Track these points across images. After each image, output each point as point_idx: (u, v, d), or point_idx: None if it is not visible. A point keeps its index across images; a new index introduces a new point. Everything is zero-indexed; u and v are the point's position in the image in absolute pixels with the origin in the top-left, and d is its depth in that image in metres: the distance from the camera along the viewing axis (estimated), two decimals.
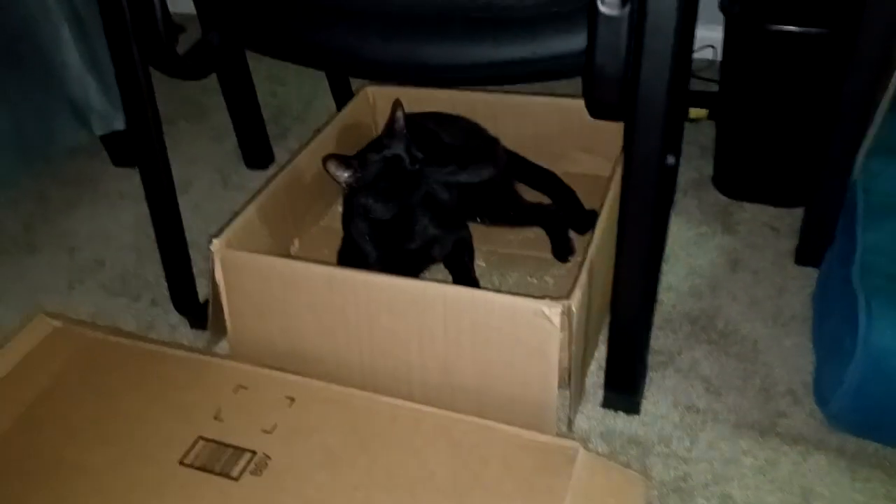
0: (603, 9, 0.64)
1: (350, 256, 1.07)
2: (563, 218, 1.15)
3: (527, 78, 0.76)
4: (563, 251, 1.10)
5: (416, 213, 1.04)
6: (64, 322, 0.96)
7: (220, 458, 0.78)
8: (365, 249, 1.05)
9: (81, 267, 1.23)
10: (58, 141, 1.38)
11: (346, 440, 0.79)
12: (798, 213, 1.19)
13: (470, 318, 0.84)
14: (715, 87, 1.45)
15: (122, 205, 1.37)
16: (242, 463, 0.77)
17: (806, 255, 1.11)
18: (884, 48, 0.89)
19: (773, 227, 1.20)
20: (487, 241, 1.13)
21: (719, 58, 1.53)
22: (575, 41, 0.70)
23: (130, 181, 1.41)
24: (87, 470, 0.78)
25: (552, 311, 0.79)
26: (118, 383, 0.88)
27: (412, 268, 1.07)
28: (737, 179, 1.26)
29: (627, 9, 0.63)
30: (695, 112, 1.43)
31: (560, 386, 0.84)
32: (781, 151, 1.20)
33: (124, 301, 1.15)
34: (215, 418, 0.82)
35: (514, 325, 0.82)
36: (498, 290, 1.02)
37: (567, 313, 0.79)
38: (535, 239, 1.14)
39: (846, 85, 0.93)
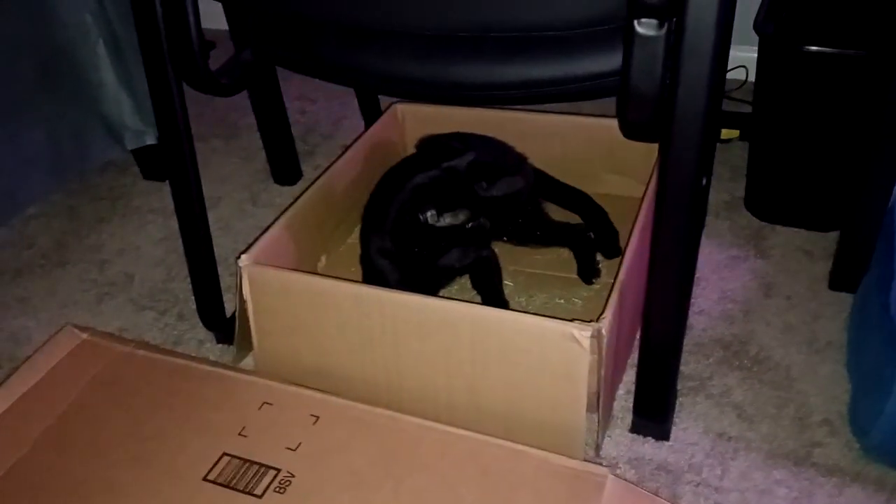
0: (640, 29, 0.63)
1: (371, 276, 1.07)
2: (590, 239, 1.13)
3: (560, 98, 0.75)
4: (588, 273, 1.09)
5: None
6: (91, 334, 0.97)
7: (245, 476, 0.77)
8: (385, 272, 1.04)
9: (111, 281, 1.24)
10: (91, 158, 1.40)
11: (371, 461, 0.78)
12: (832, 237, 1.17)
13: (498, 340, 0.83)
14: (746, 108, 1.43)
15: (152, 220, 1.38)
16: (266, 480, 0.76)
17: (841, 280, 1.09)
18: None
19: (806, 250, 1.17)
20: (514, 262, 1.12)
21: (751, 78, 1.53)
22: (610, 61, 0.69)
23: (160, 196, 1.43)
24: (113, 488, 0.78)
25: (582, 334, 0.77)
26: (144, 398, 0.88)
27: (434, 284, 1.07)
28: (770, 202, 1.24)
29: (665, 29, 0.63)
30: (726, 133, 1.42)
31: (588, 410, 0.82)
32: (816, 174, 1.18)
33: (152, 315, 1.16)
34: (240, 434, 0.82)
35: (542, 347, 0.81)
36: (525, 311, 1.01)
37: (597, 336, 0.77)
38: (562, 259, 1.13)
39: (887, 107, 0.91)
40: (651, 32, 0.63)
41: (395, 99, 1.34)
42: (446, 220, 0.95)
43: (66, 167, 1.35)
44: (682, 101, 0.66)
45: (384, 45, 0.78)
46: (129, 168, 1.50)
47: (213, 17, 1.00)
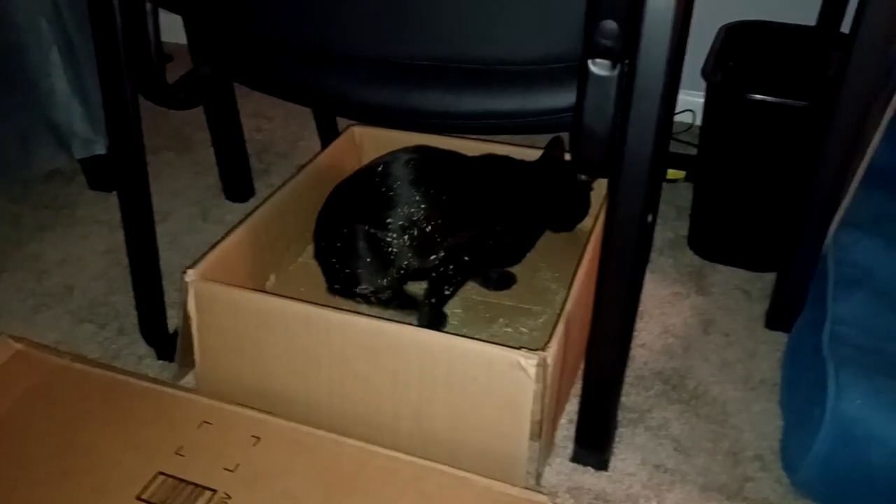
0: (594, 69, 0.65)
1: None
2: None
3: (517, 130, 0.77)
4: None
5: None
6: (26, 345, 0.94)
7: (179, 496, 0.75)
8: None
9: (49, 292, 1.20)
10: (37, 164, 1.36)
11: (311, 485, 0.77)
12: (770, 277, 1.21)
13: (445, 365, 0.83)
14: (693, 150, 1.49)
15: (96, 231, 1.35)
16: (202, 502, 0.75)
17: (776, 319, 1.13)
18: (858, 123, 0.92)
19: (744, 290, 1.21)
20: (463, 289, 1.13)
21: (697, 122, 1.58)
22: (566, 98, 0.71)
23: (106, 207, 1.40)
24: None
25: (528, 363, 0.78)
26: (78, 412, 0.85)
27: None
28: (711, 241, 1.28)
29: (618, 71, 0.65)
30: (673, 173, 1.47)
31: (531, 438, 0.83)
32: (756, 217, 1.22)
33: (91, 329, 1.12)
34: (177, 453, 0.80)
35: (488, 374, 0.81)
36: (473, 339, 1.02)
37: (543, 365, 0.79)
38: (510, 289, 1.14)
39: (821, 157, 0.95)
40: (604, 73, 0.65)
41: (353, 121, 1.34)
42: None
43: (10, 172, 1.32)
44: (632, 140, 0.68)
45: (345, 69, 0.79)
46: (76, 177, 1.47)
47: (170, 31, 1.00)
